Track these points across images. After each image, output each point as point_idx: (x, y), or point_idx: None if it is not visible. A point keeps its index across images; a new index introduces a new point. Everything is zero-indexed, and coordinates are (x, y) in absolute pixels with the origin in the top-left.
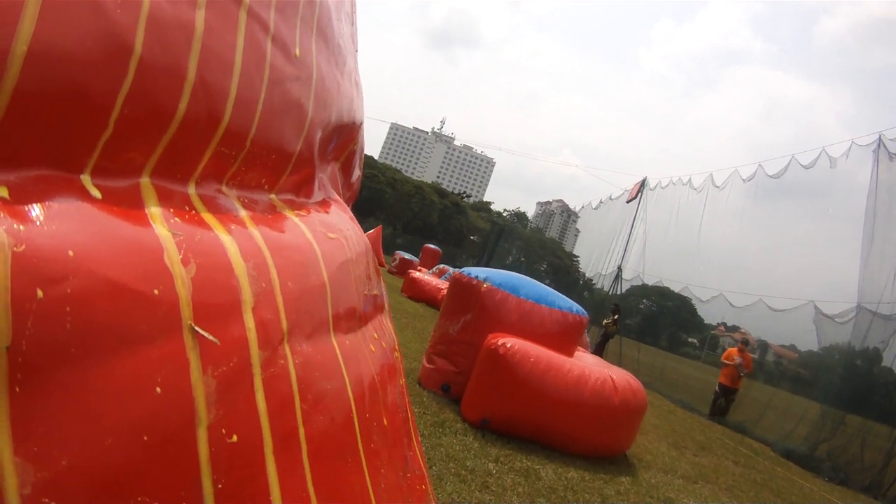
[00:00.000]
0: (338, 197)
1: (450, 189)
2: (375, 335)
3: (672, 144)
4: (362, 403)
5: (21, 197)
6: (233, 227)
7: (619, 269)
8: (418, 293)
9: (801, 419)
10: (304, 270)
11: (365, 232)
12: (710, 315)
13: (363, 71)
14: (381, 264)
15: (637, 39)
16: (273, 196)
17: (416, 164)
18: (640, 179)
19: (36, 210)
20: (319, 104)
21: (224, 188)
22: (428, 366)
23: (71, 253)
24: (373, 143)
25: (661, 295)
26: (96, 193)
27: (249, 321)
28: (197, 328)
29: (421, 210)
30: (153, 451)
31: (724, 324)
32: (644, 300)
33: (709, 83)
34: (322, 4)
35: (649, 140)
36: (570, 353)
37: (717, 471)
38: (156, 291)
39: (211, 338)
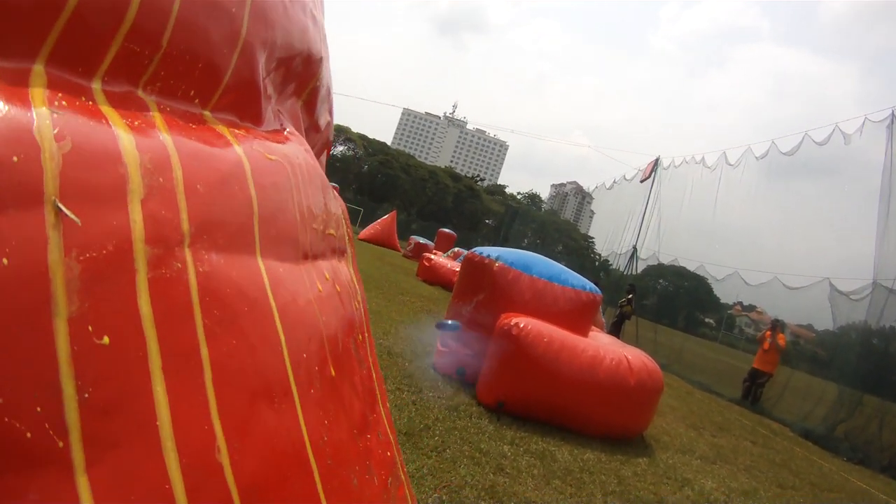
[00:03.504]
0: (299, 135)
1: (463, 173)
2: (327, 275)
3: (684, 123)
4: (296, 340)
5: None
6: (136, 123)
7: (635, 248)
8: (433, 276)
9: (819, 399)
10: (222, 178)
11: (379, 218)
12: (725, 294)
13: (373, 56)
14: (395, 249)
15: (645, 19)
16: (207, 112)
17: (429, 149)
18: (653, 159)
19: None
20: (258, 19)
21: (140, 92)
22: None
23: None
24: (386, 130)
25: (676, 274)
26: None
27: (136, 212)
28: (60, 205)
29: (435, 195)
30: None
31: (740, 303)
32: (660, 280)
33: (718, 61)
34: None
35: (661, 119)
36: (584, 333)
37: (735, 451)
38: (15, 159)
39: (72, 216)
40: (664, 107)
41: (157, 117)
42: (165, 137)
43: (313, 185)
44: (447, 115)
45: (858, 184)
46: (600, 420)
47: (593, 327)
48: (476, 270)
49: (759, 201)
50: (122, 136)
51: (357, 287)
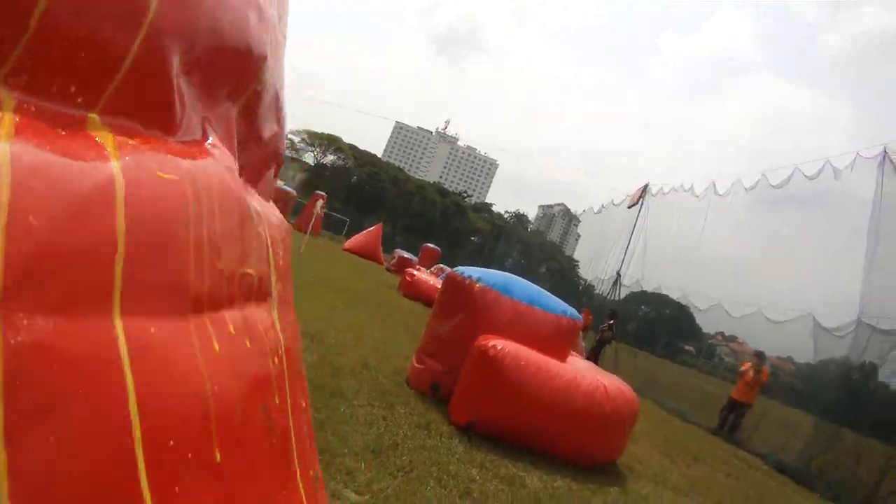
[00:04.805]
0: (226, 149)
1: (452, 189)
2: (232, 329)
3: (675, 152)
4: (159, 426)
5: None
6: None
7: (619, 274)
8: (415, 292)
9: (795, 432)
10: (73, 204)
11: (365, 229)
12: (707, 324)
13: (369, 69)
14: (379, 262)
15: (643, 49)
16: (93, 115)
17: (419, 163)
18: (642, 185)
19: None
20: (173, 1)
21: None
22: (417, 366)
23: None
24: (376, 142)
25: (659, 302)
26: None
27: None
28: None
29: (422, 209)
30: None
31: (721, 333)
32: (642, 306)
33: (713, 91)
34: None
35: (652, 146)
36: (562, 358)
37: (708, 483)
38: None
39: None
40: (656, 134)
41: (6, 120)
42: (2, 147)
43: (226, 213)
44: (439, 130)
45: (847, 220)
46: (573, 446)
47: (572, 352)
48: (457, 290)
49: (745, 233)
50: None
51: (280, 337)
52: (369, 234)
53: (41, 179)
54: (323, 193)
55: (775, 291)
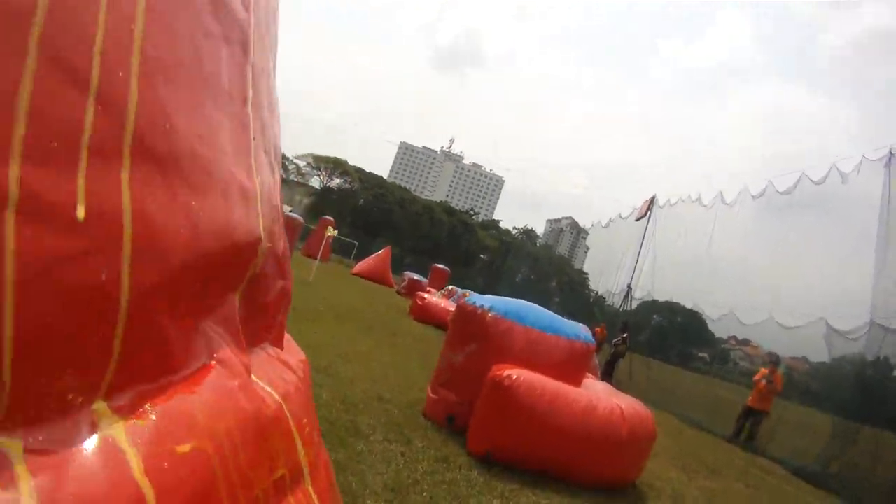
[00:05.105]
0: (234, 349)
1: (459, 207)
2: None
3: (679, 159)
4: None
5: None
6: None
7: (629, 287)
8: (427, 315)
9: (812, 435)
10: None
11: (374, 252)
12: (720, 332)
13: (371, 90)
14: (389, 285)
15: (644, 56)
16: (99, 405)
17: (425, 183)
18: (649, 197)
19: None
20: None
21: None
22: (432, 396)
23: None
24: (382, 164)
25: (670, 310)
26: None
27: None
28: None
29: (430, 229)
30: None
31: (734, 337)
32: (654, 315)
33: (716, 99)
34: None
35: (659, 156)
36: (577, 383)
37: (726, 495)
38: None
39: None
40: (659, 141)
41: (20, 471)
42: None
43: (247, 439)
44: (444, 149)
45: (855, 222)
46: (593, 470)
47: (587, 374)
48: (468, 320)
49: (754, 240)
50: None
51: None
52: (378, 257)
53: None
54: (331, 219)
55: (786, 297)
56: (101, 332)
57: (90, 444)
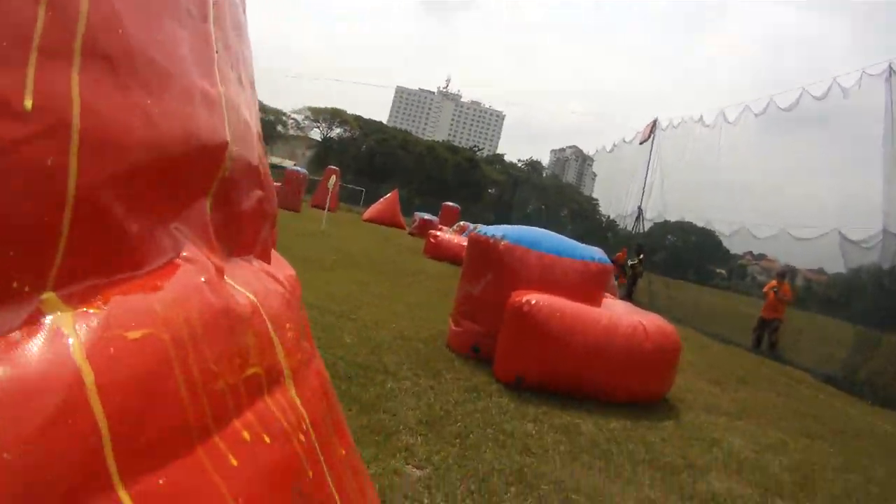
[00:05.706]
0: (203, 250)
1: (462, 146)
2: (246, 435)
3: (679, 82)
4: None
5: None
6: None
7: (640, 209)
8: (440, 253)
9: (836, 343)
10: (45, 428)
11: (381, 197)
12: (734, 247)
13: (362, 37)
14: (401, 227)
15: None
16: (48, 295)
17: (426, 125)
18: (651, 120)
19: None
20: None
21: None
22: (455, 328)
23: None
24: (380, 109)
25: (683, 230)
26: None
27: None
28: None
29: (435, 169)
30: None
31: (750, 252)
32: (668, 236)
33: (711, 18)
34: None
35: (658, 79)
36: (597, 303)
37: (759, 404)
38: None
39: None
40: (660, 67)
41: None
42: None
43: (211, 333)
44: (441, 89)
45: (860, 135)
46: (621, 388)
47: (606, 294)
48: (482, 251)
49: (760, 157)
50: None
51: (302, 412)
52: (386, 201)
53: (5, 410)
54: (335, 168)
55: (797, 209)
56: (46, 217)
57: (31, 328)
